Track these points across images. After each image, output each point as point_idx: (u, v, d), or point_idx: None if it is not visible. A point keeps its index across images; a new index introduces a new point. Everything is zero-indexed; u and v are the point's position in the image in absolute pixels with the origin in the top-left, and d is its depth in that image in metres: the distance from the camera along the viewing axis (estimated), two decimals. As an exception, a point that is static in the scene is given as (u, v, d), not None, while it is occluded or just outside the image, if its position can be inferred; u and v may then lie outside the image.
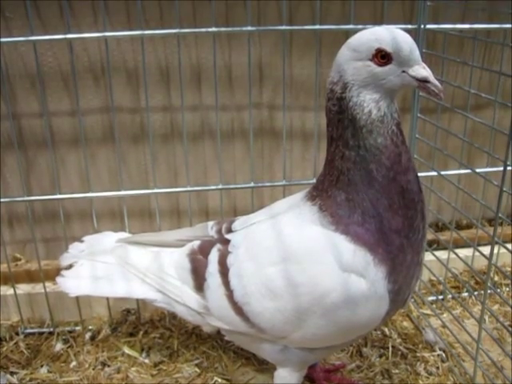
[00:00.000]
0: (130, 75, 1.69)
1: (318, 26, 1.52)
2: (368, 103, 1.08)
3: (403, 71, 1.06)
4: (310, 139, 1.82)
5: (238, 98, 1.75)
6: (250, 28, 1.49)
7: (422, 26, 1.60)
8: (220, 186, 1.65)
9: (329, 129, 1.13)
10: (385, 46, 1.05)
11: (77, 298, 1.67)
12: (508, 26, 1.48)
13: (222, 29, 1.49)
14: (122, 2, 1.61)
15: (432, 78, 1.04)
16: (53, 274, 1.48)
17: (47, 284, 1.70)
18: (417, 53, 1.05)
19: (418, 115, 1.71)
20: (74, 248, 1.47)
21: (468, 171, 1.63)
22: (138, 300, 1.71)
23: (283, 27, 1.51)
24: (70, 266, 1.45)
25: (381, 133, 1.08)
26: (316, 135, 1.62)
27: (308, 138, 1.84)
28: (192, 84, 1.72)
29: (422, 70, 1.05)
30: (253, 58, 1.61)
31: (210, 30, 1.49)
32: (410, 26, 1.58)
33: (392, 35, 1.06)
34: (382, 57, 1.06)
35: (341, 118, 1.11)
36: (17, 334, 1.71)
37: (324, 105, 1.13)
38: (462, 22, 1.55)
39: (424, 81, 1.05)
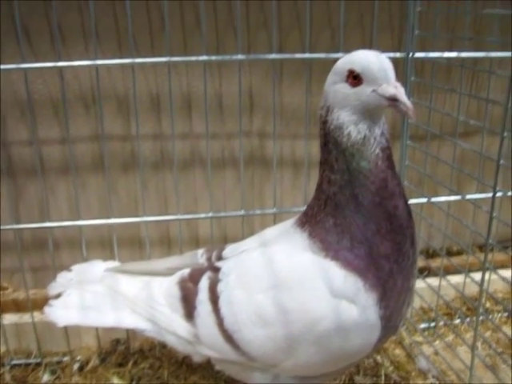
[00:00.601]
0: (121, 103, 1.69)
1: (307, 55, 1.54)
2: (347, 125, 1.09)
3: (373, 90, 1.06)
4: (301, 167, 1.82)
5: (228, 126, 1.76)
6: (240, 57, 1.50)
7: (411, 55, 1.62)
8: (210, 214, 1.64)
9: (320, 153, 1.15)
10: (355, 66, 1.07)
11: (65, 327, 1.64)
12: (494, 54, 1.50)
13: (213, 57, 1.50)
14: (113, 30, 1.62)
15: (401, 97, 1.04)
16: (41, 304, 1.46)
17: (35, 314, 1.68)
18: (388, 72, 1.05)
19: (408, 142, 1.72)
20: (63, 277, 1.45)
21: (458, 198, 1.64)
22: (127, 329, 1.68)
23: (273, 56, 1.53)
24: (58, 296, 1.42)
25: (363, 156, 1.08)
26: (306, 163, 1.62)
27: (298, 165, 1.84)
28: (182, 112, 1.73)
29: (391, 89, 1.04)
30: (243, 86, 1.62)
31: (200, 58, 1.49)
32: (398, 55, 1.60)
33: (363, 56, 1.07)
34: (354, 77, 1.07)
35: (326, 141, 1.12)
36: (2, 365, 1.69)
37: (314, 133, 1.15)
38: (450, 51, 1.57)
39: (393, 99, 1.04)
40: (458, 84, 1.58)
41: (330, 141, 1.10)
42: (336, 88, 1.09)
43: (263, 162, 1.82)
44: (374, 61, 1.06)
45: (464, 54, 1.56)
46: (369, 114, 1.09)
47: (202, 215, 1.65)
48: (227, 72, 1.70)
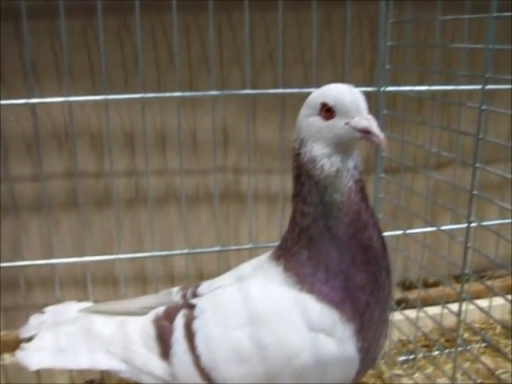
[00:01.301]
0: (95, 140, 1.69)
1: (280, 90, 1.54)
2: (320, 158, 1.09)
3: (346, 123, 1.07)
4: (275, 202, 1.81)
5: (202, 161, 1.77)
6: (213, 92, 1.50)
7: (382, 89, 1.63)
8: (186, 251, 1.62)
9: (293, 186, 1.15)
10: (328, 100, 1.07)
11: (37, 369, 1.60)
12: (463, 87, 1.53)
13: (187, 93, 1.50)
14: (87, 66, 1.63)
15: (373, 129, 1.04)
16: (12, 345, 1.42)
17: (5, 356, 1.64)
18: (360, 105, 1.06)
19: (382, 175, 1.73)
20: (35, 319, 1.41)
21: (433, 229, 1.65)
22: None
23: (247, 91, 1.53)
24: (30, 339, 1.38)
25: (336, 189, 1.08)
26: (281, 197, 1.62)
27: (273, 200, 1.85)
28: (157, 148, 1.73)
29: (363, 121, 1.05)
30: (217, 121, 1.62)
31: (174, 94, 1.49)
32: (370, 89, 1.62)
33: (336, 90, 1.08)
34: (327, 110, 1.08)
35: (299, 173, 1.12)
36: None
37: (288, 167, 1.15)
38: (421, 84, 1.60)
39: (366, 131, 1.05)
40: (430, 116, 1.61)
41: (303, 173, 1.11)
42: (309, 121, 1.10)
43: (238, 197, 1.83)
44: (346, 94, 1.07)
45: (434, 87, 1.58)
46: (342, 146, 1.09)
47: (178, 252, 1.63)
48: (201, 108, 1.71)
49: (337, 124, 1.08)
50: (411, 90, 1.62)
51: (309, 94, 1.13)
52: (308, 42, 1.63)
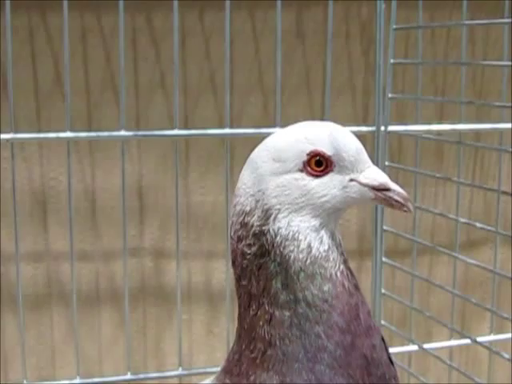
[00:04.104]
0: None
1: (227, 130, 1.57)
2: (305, 235, 1.05)
3: (351, 180, 1.03)
4: (219, 302, 1.80)
5: (105, 240, 1.76)
6: (123, 133, 1.53)
7: (383, 128, 1.63)
8: (77, 381, 1.59)
9: (242, 282, 1.08)
10: (321, 147, 1.03)
11: None
12: (504, 125, 1.55)
13: (81, 134, 1.53)
14: None
15: (392, 184, 1.02)
16: None
17: None
18: (365, 153, 1.04)
19: (383, 259, 1.71)
20: None
21: (464, 341, 1.64)
22: None
23: (175, 132, 1.55)
24: None
25: (327, 276, 1.04)
26: (229, 295, 1.61)
27: (216, 300, 1.83)
28: (34, 218, 1.71)
29: (378, 175, 1.03)
30: (129, 176, 1.64)
31: (61, 135, 1.50)
32: (365, 129, 1.64)
33: (328, 131, 1.05)
34: (318, 163, 1.04)
35: (263, 263, 1.06)
36: None
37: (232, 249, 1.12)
38: (440, 121, 1.62)
39: (382, 189, 1.02)
40: (455, 169, 1.61)
41: (272, 260, 1.05)
42: (283, 181, 1.05)
43: (161, 295, 1.81)
44: (348, 138, 1.04)
45: (461, 126, 1.59)
46: (335, 215, 1.07)
47: (64, 382, 1.61)
48: (104, 156, 1.71)
49: (337, 182, 1.04)
50: (427, 131, 1.62)
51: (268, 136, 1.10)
52: (269, 59, 1.66)
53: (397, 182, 1.06)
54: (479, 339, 1.61)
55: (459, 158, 1.62)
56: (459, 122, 1.58)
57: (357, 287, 1.07)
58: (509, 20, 1.46)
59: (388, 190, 1.02)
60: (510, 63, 1.50)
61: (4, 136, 1.46)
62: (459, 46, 1.60)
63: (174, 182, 1.57)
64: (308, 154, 1.03)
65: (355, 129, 1.55)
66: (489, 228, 1.54)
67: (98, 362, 1.79)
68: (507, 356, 1.44)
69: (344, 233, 1.12)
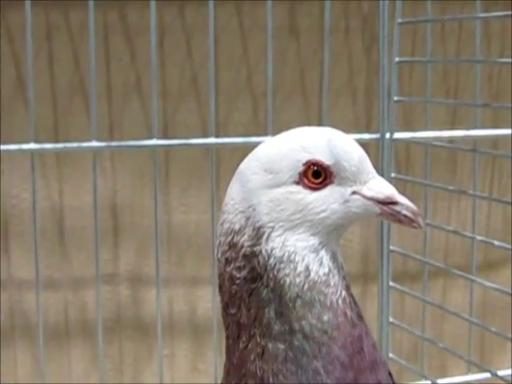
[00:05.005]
0: None
1: (212, 140, 1.58)
2: (302, 256, 1.04)
3: (354, 192, 1.02)
4: (205, 334, 1.81)
5: (75, 265, 1.76)
6: (95, 144, 1.54)
7: (388, 135, 1.64)
8: None
9: (230, 311, 1.07)
10: (319, 155, 1.03)
11: None
12: None
13: (46, 145, 1.53)
14: None
15: (400, 197, 1.01)
16: None
17: None
18: (369, 162, 1.04)
19: (390, 284, 1.72)
20: None
21: (484, 376, 1.64)
22: None
23: (154, 142, 1.56)
24: None
25: (327, 304, 1.03)
26: (216, 327, 1.62)
27: (201, 332, 1.85)
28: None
29: (384, 186, 1.02)
30: (102, 192, 1.65)
31: (24, 147, 1.50)
32: (367, 136, 1.65)
33: (327, 138, 1.04)
34: (316, 174, 1.03)
35: (254, 288, 1.05)
36: None
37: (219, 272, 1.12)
38: (452, 127, 1.62)
39: (389, 202, 1.01)
40: (470, 180, 1.62)
41: (264, 285, 1.04)
42: (275, 195, 1.05)
43: (139, 326, 1.82)
44: (349, 145, 1.04)
45: (476, 132, 1.59)
46: (336, 232, 1.06)
47: None
48: (73, 170, 1.72)
49: (337, 195, 1.03)
50: (437, 138, 1.61)
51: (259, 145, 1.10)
52: (259, 58, 1.68)
53: (405, 196, 1.05)
54: (500, 373, 1.61)
55: (475, 168, 1.62)
56: (474, 127, 1.58)
57: (360, 316, 1.06)
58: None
59: (395, 203, 1.01)
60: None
61: None
62: (473, 41, 1.60)
63: (153, 199, 1.57)
64: (304, 164, 1.02)
65: (357, 136, 1.51)
66: (509, 247, 1.54)
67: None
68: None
69: (345, 254, 1.11)
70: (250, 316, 1.05)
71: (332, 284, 1.04)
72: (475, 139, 1.59)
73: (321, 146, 1.03)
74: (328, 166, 1.02)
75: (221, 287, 1.08)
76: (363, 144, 1.07)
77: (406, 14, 1.65)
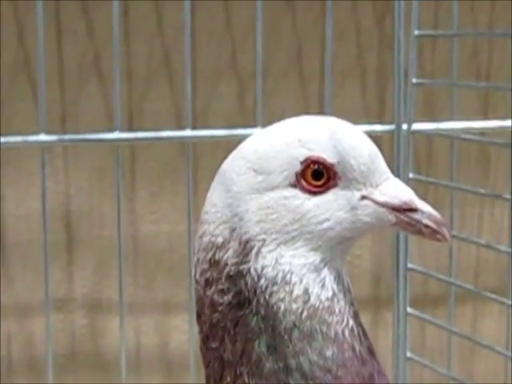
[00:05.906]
0: None
1: (189, 132, 1.62)
2: (300, 276, 1.01)
3: (363, 197, 0.98)
4: (180, 372, 1.85)
5: (19, 290, 1.81)
6: (43, 138, 1.55)
7: (405, 127, 1.67)
8: None
9: (211, 345, 1.04)
10: (321, 151, 1.00)
11: None
12: None
13: None
14: None
15: (421, 202, 0.97)
16: None
17: None
18: (382, 160, 1.01)
19: (409, 310, 1.73)
20: None
21: None
22: None
23: (116, 135, 1.58)
24: None
25: (331, 335, 1.01)
26: (193, 363, 1.66)
27: (175, 369, 1.89)
28: None
29: (400, 190, 0.99)
30: (53, 200, 1.66)
31: None
32: (380, 128, 1.69)
33: (330, 131, 1.02)
34: (316, 175, 1.01)
35: (241, 316, 1.02)
36: None
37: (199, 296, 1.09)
38: (484, 117, 1.63)
39: (406, 209, 0.97)
40: (506, 182, 1.61)
41: (253, 313, 1.01)
42: (266, 201, 1.02)
43: (98, 364, 1.85)
44: (358, 139, 1.01)
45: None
46: (342, 247, 1.03)
47: None
48: (16, 170, 1.76)
49: (341, 201, 1.01)
50: (465, 129, 1.59)
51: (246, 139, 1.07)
52: (246, 32, 1.67)
53: (426, 201, 0.98)
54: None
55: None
56: (510, 116, 1.56)
57: (371, 351, 1.03)
58: None
59: (414, 210, 0.96)
60: None
61: None
62: (509, 11, 1.58)
63: (115, 206, 1.61)
64: (302, 163, 0.98)
65: (367, 128, 1.58)
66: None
67: None
68: None
69: (353, 274, 1.11)
70: (236, 351, 1.01)
71: (337, 311, 1.01)
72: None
73: (322, 140, 1.00)
74: (331, 165, 0.97)
75: (199, 315, 1.04)
76: (375, 137, 1.02)
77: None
